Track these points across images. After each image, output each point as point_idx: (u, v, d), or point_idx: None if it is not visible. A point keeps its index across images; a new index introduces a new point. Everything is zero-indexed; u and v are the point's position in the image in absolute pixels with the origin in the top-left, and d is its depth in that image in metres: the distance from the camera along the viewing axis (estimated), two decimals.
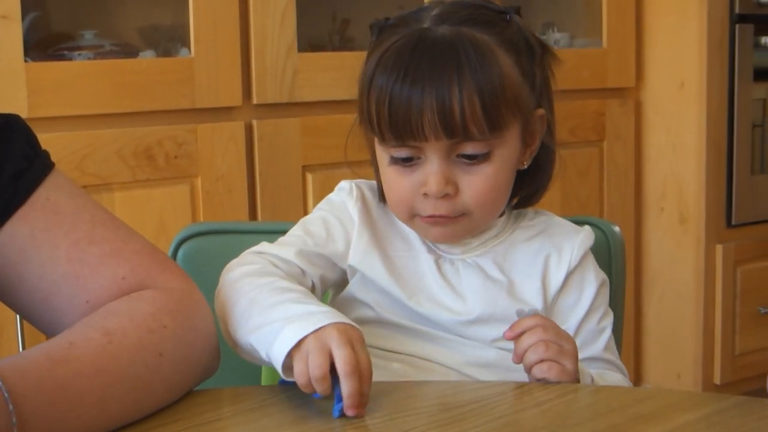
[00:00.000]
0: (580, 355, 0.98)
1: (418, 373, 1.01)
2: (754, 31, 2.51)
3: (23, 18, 1.79)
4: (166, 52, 2.08)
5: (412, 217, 1.03)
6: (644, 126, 2.62)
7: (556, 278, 1.06)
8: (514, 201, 1.09)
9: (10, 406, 0.69)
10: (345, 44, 2.37)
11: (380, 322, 1.04)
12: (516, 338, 0.95)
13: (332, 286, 1.08)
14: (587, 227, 1.10)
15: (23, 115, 0.92)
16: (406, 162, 1.00)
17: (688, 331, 2.56)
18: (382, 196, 1.07)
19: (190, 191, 1.96)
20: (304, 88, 2.07)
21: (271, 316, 0.89)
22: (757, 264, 2.59)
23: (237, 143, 2.00)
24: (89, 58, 1.93)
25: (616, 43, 2.53)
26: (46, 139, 0.93)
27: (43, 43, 2.01)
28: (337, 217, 1.06)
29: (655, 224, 2.62)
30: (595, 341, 1.06)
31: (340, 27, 2.39)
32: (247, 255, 1.02)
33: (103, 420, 0.77)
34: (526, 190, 1.08)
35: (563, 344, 0.94)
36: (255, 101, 2.03)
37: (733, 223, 2.54)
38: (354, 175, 1.12)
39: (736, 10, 2.47)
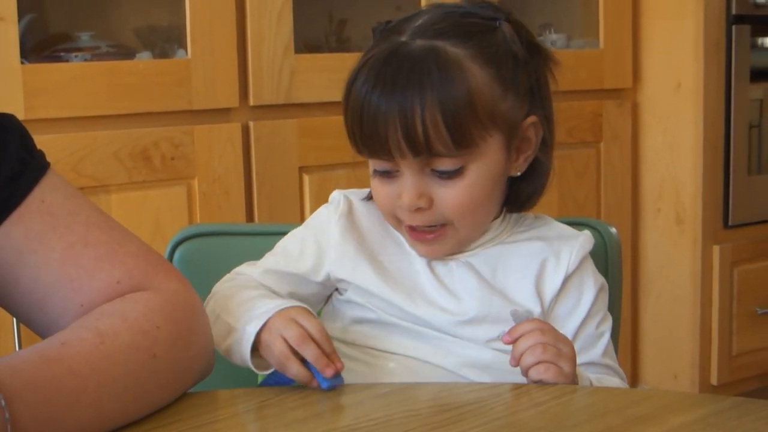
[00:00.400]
0: (579, 360, 0.98)
1: (414, 374, 1.01)
2: (751, 32, 2.51)
3: (20, 19, 1.79)
4: (162, 54, 2.08)
5: (399, 224, 1.04)
6: (641, 127, 2.62)
7: (552, 282, 1.05)
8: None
9: (3, 402, 0.69)
10: (342, 45, 2.37)
11: (376, 323, 1.04)
12: (514, 342, 0.95)
13: (312, 298, 1.09)
14: (587, 232, 1.10)
15: (20, 116, 0.91)
16: (384, 175, 1.02)
17: (685, 331, 2.56)
18: None
19: (186, 193, 1.96)
20: (300, 89, 2.07)
21: (234, 324, 0.98)
22: (754, 265, 2.59)
23: (234, 144, 2.00)
24: (86, 60, 1.93)
25: (613, 44, 2.53)
26: (42, 141, 0.92)
27: (40, 44, 2.01)
28: (315, 235, 1.08)
29: (652, 225, 2.62)
30: (594, 346, 1.05)
31: (336, 28, 2.38)
32: (228, 275, 1.09)
33: (101, 420, 0.77)
34: (522, 194, 1.08)
35: (561, 347, 0.94)
36: (252, 102, 2.03)
37: (730, 223, 2.54)
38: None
39: (733, 11, 2.47)
